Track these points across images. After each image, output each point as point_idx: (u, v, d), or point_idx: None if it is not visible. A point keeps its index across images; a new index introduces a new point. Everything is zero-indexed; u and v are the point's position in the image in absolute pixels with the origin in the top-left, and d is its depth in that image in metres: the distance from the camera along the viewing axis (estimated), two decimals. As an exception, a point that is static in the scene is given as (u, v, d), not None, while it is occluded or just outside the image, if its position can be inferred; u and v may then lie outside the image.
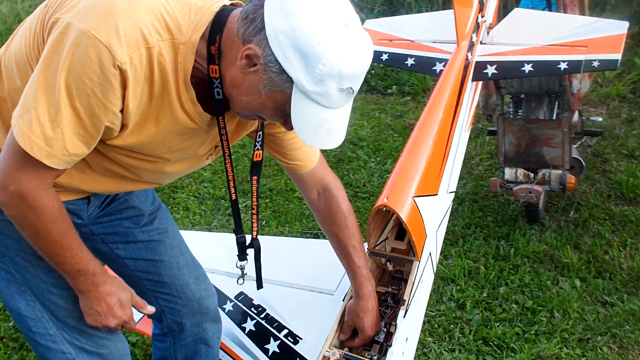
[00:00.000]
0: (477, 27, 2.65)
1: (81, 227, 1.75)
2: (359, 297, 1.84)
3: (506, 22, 2.90)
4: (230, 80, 1.36)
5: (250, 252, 1.85)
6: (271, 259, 2.32)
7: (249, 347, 2.11)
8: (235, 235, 1.78)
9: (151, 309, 1.75)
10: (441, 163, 2.10)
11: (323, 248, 2.05)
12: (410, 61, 2.72)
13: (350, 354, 1.82)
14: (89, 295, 1.58)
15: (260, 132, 1.63)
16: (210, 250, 2.46)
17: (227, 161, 1.60)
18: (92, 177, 1.56)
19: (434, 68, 2.65)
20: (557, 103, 3.44)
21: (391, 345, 1.77)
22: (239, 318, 2.19)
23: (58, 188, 1.52)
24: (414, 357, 2.00)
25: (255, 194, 1.74)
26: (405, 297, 1.85)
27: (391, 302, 1.93)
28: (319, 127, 1.33)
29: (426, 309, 2.94)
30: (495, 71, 2.54)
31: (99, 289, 1.58)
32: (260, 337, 2.12)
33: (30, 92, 1.28)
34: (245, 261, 1.84)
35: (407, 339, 1.84)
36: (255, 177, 1.71)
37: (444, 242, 3.44)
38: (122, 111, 1.32)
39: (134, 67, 1.26)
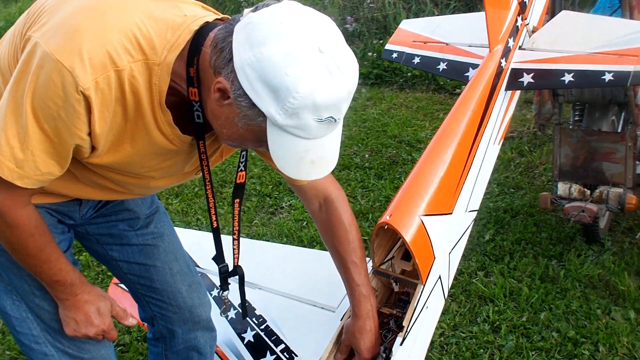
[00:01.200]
0: (516, 30, 2.45)
1: (76, 227, 1.77)
2: (356, 317, 1.72)
3: (551, 26, 2.66)
4: (209, 110, 1.30)
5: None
6: (277, 268, 2.27)
7: (245, 359, 2.05)
8: (217, 264, 1.71)
9: (132, 322, 1.71)
10: (459, 179, 1.93)
11: (330, 261, 1.95)
12: (442, 66, 2.54)
13: (345, 376, 1.73)
14: (67, 304, 1.59)
15: (245, 152, 1.55)
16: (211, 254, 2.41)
17: (207, 187, 1.54)
18: (81, 188, 1.54)
19: (467, 74, 2.46)
20: (622, 114, 3.19)
21: (383, 374, 1.66)
22: (239, 327, 2.13)
23: (47, 193, 1.52)
24: None
25: (237, 217, 1.67)
26: (405, 324, 1.73)
27: (394, 326, 1.81)
28: (301, 159, 1.24)
29: (457, 331, 2.82)
30: (531, 80, 2.32)
31: (77, 297, 1.58)
32: (257, 349, 2.04)
33: (0, 113, 1.26)
34: (228, 291, 1.77)
35: (404, 368, 1.72)
36: (238, 200, 1.63)
37: (487, 257, 3.29)
38: (90, 134, 1.27)
39: (101, 91, 1.21)
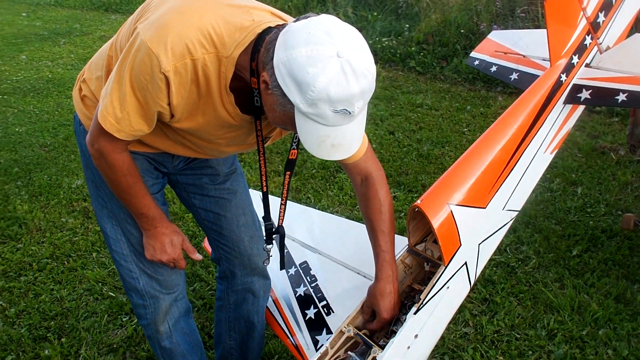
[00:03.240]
0: (584, 48, 2.52)
1: (169, 175, 2.18)
2: (377, 280, 1.97)
3: (620, 47, 2.67)
4: (261, 97, 1.61)
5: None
6: (336, 237, 2.56)
7: (294, 308, 2.37)
8: (264, 222, 2.03)
9: (198, 257, 2.08)
10: (498, 177, 2.10)
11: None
12: (514, 75, 2.67)
13: (361, 333, 1.98)
14: (148, 233, 2.00)
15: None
16: (295, 219, 2.74)
17: (260, 158, 1.87)
18: (170, 144, 1.93)
19: (534, 86, 2.57)
20: None
21: (394, 336, 1.89)
22: (296, 282, 2.45)
23: (147, 145, 1.94)
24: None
25: (286, 187, 1.97)
26: (422, 296, 1.95)
27: (417, 300, 2.04)
28: (322, 142, 1.52)
29: (513, 332, 2.94)
30: (588, 97, 2.39)
31: (157, 229, 1.98)
32: (305, 302, 2.36)
33: (109, 82, 1.68)
34: (271, 245, 2.08)
35: (415, 336, 1.93)
36: (289, 173, 1.93)
37: (567, 271, 3.36)
38: (169, 104, 1.65)
39: (178, 74, 1.58)
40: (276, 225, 2.06)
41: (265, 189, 1.95)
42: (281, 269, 2.19)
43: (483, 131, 2.26)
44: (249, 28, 1.60)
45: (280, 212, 2.03)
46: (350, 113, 1.45)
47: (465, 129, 5.56)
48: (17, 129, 6.01)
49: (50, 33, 10.08)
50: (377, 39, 7.91)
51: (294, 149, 1.85)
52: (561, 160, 4.71)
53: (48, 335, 3.11)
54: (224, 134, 1.83)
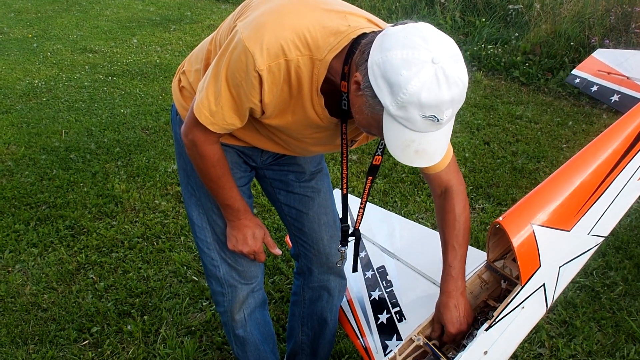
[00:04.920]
0: None
1: (257, 169, 2.26)
2: (442, 293, 1.98)
3: None
4: (350, 99, 1.64)
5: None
6: (417, 246, 2.57)
7: (367, 311, 2.40)
8: (341, 223, 2.06)
9: (277, 252, 2.15)
10: (586, 201, 2.05)
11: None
12: (615, 97, 2.57)
13: (430, 344, 1.99)
14: (232, 224, 2.08)
15: (383, 141, 1.84)
16: (377, 223, 2.76)
17: (343, 161, 1.91)
18: (260, 139, 2.00)
19: (634, 110, 2.47)
20: None
21: (463, 349, 1.88)
22: (371, 285, 2.48)
23: (237, 138, 2.02)
24: None
25: (367, 191, 1.98)
26: (495, 314, 1.93)
27: (489, 316, 2.02)
28: (407, 146, 1.53)
29: (589, 358, 2.87)
30: None
31: (240, 221, 2.07)
32: (378, 306, 2.38)
33: (207, 76, 1.76)
34: (347, 247, 2.11)
35: (485, 352, 1.92)
36: (371, 178, 1.94)
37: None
38: (261, 101, 1.70)
39: (272, 73, 1.63)
40: (353, 228, 2.09)
41: (345, 191, 1.98)
42: (353, 271, 2.21)
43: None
44: (344, 33, 1.63)
45: (358, 215, 2.05)
46: (438, 120, 1.45)
47: (564, 145, 5.39)
48: (122, 111, 6.32)
49: (162, 19, 10.45)
50: (483, 45, 7.77)
51: (378, 155, 1.87)
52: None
53: (132, 311, 3.28)
54: (312, 134, 1.87)
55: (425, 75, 1.40)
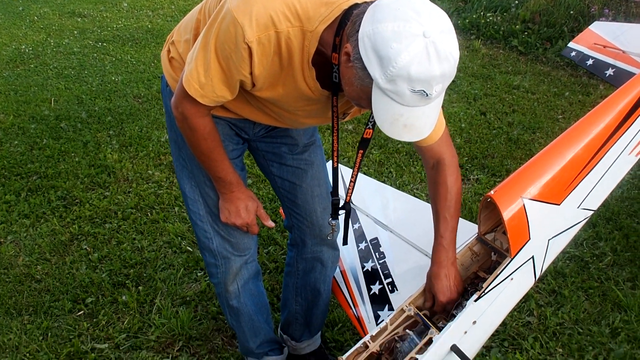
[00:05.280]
0: None
1: (250, 142, 2.25)
2: (434, 263, 2.01)
3: None
4: (340, 71, 1.63)
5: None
6: (410, 218, 2.59)
7: (360, 282, 2.44)
8: (331, 197, 2.07)
9: (271, 224, 2.16)
10: (576, 175, 2.07)
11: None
12: (609, 71, 2.57)
13: (421, 314, 2.02)
14: (225, 197, 2.08)
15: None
16: (371, 195, 2.78)
17: (334, 134, 1.90)
18: (252, 110, 2.00)
19: (627, 84, 2.48)
20: None
21: (453, 319, 1.92)
22: (364, 257, 2.51)
23: (229, 110, 2.01)
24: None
25: (357, 164, 1.99)
26: (484, 285, 1.96)
27: (479, 287, 2.06)
28: (395, 120, 1.52)
29: (576, 326, 2.91)
30: None
31: (233, 194, 2.07)
32: (371, 277, 2.42)
33: (195, 47, 1.74)
34: (337, 220, 2.12)
35: (474, 322, 1.96)
36: (362, 151, 1.93)
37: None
38: (251, 74, 1.69)
39: (262, 45, 1.61)
40: (344, 202, 2.09)
41: (335, 165, 1.98)
42: (344, 244, 2.23)
43: (579, 120, 2.22)
44: (335, 3, 1.61)
45: (349, 188, 2.05)
46: (427, 95, 1.45)
47: (560, 116, 5.40)
48: (113, 78, 6.27)
49: (153, -19, 10.30)
50: (482, 13, 7.71)
51: (369, 128, 1.85)
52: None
53: (127, 282, 3.31)
54: (303, 107, 1.87)
55: (415, 49, 1.39)
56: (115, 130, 5.12)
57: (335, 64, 1.65)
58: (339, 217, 2.15)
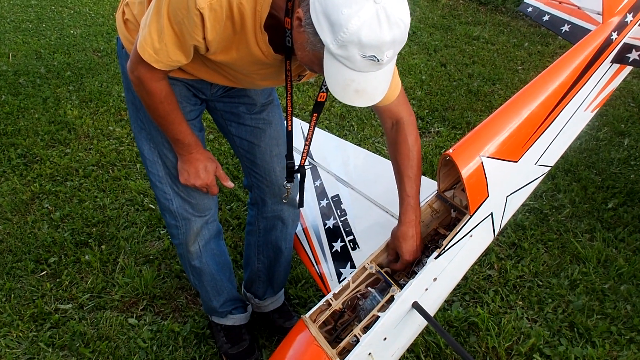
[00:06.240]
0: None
1: (208, 102, 2.23)
2: (400, 223, 2.02)
3: None
4: (293, 35, 1.61)
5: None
6: (371, 176, 2.60)
7: (322, 240, 2.46)
8: (286, 160, 2.05)
9: (230, 184, 2.14)
10: (533, 132, 2.08)
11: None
12: (565, 27, 2.57)
13: (383, 272, 2.05)
14: (183, 158, 2.07)
15: None
16: (332, 152, 2.78)
17: (288, 98, 1.89)
18: (209, 72, 1.97)
19: (583, 40, 2.48)
20: None
21: (414, 277, 1.95)
22: (326, 214, 2.52)
23: (186, 72, 1.98)
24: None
25: (312, 128, 1.98)
26: (444, 242, 1.99)
27: (440, 244, 2.09)
28: (347, 86, 1.52)
29: (536, 278, 2.98)
30: (637, 57, 2.29)
31: (191, 155, 2.05)
32: (333, 235, 2.43)
33: (149, 12, 1.70)
34: (292, 183, 2.11)
35: (434, 279, 1.99)
36: (316, 115, 1.93)
37: (600, 223, 3.35)
38: (204, 38, 1.67)
39: (213, 11, 1.59)
40: (298, 165, 2.08)
41: (290, 128, 1.97)
42: (299, 207, 2.25)
43: (537, 71, 2.23)
44: None
45: (303, 152, 2.04)
46: (378, 61, 1.45)
47: (520, 67, 5.42)
48: (72, 31, 6.11)
49: None
50: (441, -37, 7.64)
51: (323, 92, 1.85)
52: (612, 109, 4.60)
53: (89, 241, 3.28)
54: (257, 70, 1.86)
55: (365, 15, 1.38)
56: (75, 85, 5.01)
57: (287, 28, 1.64)
58: (295, 180, 2.15)
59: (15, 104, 4.66)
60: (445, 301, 2.72)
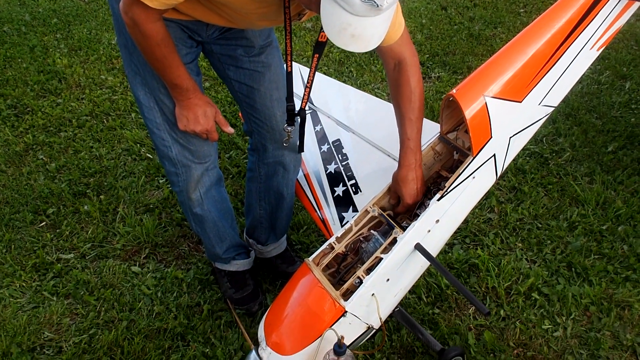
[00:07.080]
0: None
1: (204, 44, 2.16)
2: (400, 166, 2.01)
3: None
4: None
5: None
6: (372, 119, 2.57)
7: (324, 184, 2.45)
8: (287, 102, 2.01)
9: (230, 130, 2.11)
10: (538, 72, 2.05)
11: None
12: None
13: (385, 214, 2.04)
14: (181, 104, 2.01)
15: None
16: (332, 96, 2.74)
17: (287, 37, 1.84)
18: (206, 12, 1.90)
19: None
20: None
21: (417, 219, 1.95)
22: (327, 159, 2.51)
23: (181, 13, 1.91)
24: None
25: (313, 69, 1.93)
26: (447, 184, 1.98)
27: (442, 186, 2.08)
28: (343, 29, 1.48)
29: (535, 221, 2.98)
30: None
31: (190, 100, 2.00)
32: (334, 179, 2.42)
33: None
34: (293, 127, 2.07)
35: (437, 221, 1.99)
36: (317, 55, 1.88)
37: (599, 166, 3.34)
38: None
39: None
40: (299, 108, 2.05)
41: (290, 69, 1.93)
42: (299, 152, 2.22)
43: (540, 13, 2.18)
44: None
45: (304, 94, 2.01)
46: (377, 6, 1.41)
47: (522, 10, 5.33)
48: (55, -23, 5.95)
49: None
50: None
51: (323, 31, 1.79)
52: (614, 52, 4.55)
53: (87, 191, 3.26)
54: (256, 9, 1.80)
55: None
56: (63, 33, 4.90)
57: None
58: (296, 123, 2.11)
59: (1, 53, 4.57)
60: (446, 244, 2.73)
